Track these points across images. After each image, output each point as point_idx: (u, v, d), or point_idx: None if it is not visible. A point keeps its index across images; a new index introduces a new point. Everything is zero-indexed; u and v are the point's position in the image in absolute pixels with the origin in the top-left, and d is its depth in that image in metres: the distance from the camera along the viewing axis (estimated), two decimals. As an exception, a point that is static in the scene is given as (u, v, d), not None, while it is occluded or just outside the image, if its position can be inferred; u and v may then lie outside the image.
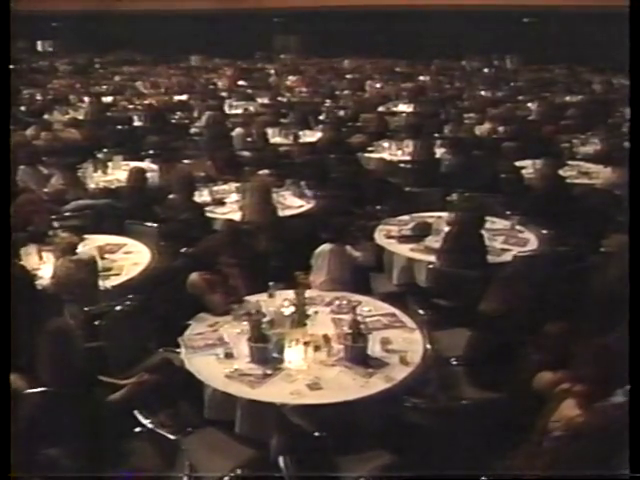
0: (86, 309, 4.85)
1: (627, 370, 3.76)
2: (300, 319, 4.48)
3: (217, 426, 4.03)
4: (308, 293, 4.90)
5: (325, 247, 5.19)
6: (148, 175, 7.66)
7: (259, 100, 13.80)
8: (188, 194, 6.60)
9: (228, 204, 7.11)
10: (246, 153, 9.40)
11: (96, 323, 4.70)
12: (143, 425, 3.70)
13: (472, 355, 4.39)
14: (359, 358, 4.10)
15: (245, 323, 4.45)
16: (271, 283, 4.88)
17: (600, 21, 18.99)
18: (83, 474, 3.85)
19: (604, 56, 17.31)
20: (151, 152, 9.13)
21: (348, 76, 16.89)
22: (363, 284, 5.44)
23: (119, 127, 11.24)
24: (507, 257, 5.73)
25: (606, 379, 3.36)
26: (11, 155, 4.16)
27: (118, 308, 4.85)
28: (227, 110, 12.73)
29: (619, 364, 3.56)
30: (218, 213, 6.88)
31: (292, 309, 4.54)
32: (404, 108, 12.61)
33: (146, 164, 8.41)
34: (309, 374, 4.01)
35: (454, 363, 4.55)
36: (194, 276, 4.84)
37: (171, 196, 6.67)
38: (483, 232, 5.81)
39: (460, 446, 3.73)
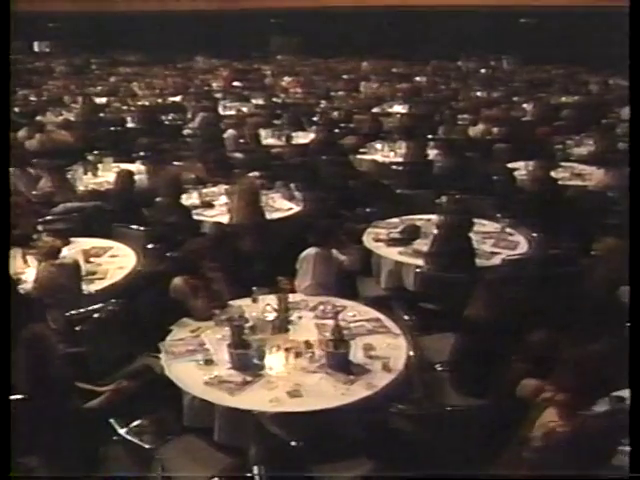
0: (68, 314, 4.82)
1: (609, 379, 3.70)
2: (282, 325, 4.42)
3: (196, 434, 3.97)
4: (293, 298, 4.84)
5: (310, 251, 5.13)
6: (138, 177, 7.64)
7: (254, 101, 13.73)
8: (175, 197, 6.54)
9: (217, 207, 7.06)
10: (238, 155, 9.34)
11: (77, 328, 4.66)
12: (119, 434, 3.65)
13: (457, 361, 4.33)
14: (341, 365, 4.04)
15: (227, 329, 4.38)
16: (254, 288, 4.83)
17: (598, 21, 18.93)
18: (83, 474, 3.83)
19: (601, 56, 17.23)
20: (142, 154, 9.07)
21: (344, 77, 16.81)
22: (349, 289, 5.39)
23: (112, 128, 11.17)
24: (496, 260, 5.67)
25: (588, 388, 3.29)
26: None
27: (100, 313, 4.81)
28: (221, 111, 12.66)
29: (602, 373, 3.50)
30: (206, 216, 6.84)
31: (275, 314, 4.48)
32: (399, 109, 12.54)
33: (137, 166, 8.35)
34: (290, 381, 3.95)
35: (439, 369, 4.50)
36: (177, 280, 4.77)
37: (158, 199, 6.61)
38: (472, 235, 5.76)
39: (442, 454, 3.69)
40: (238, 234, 5.74)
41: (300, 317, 4.66)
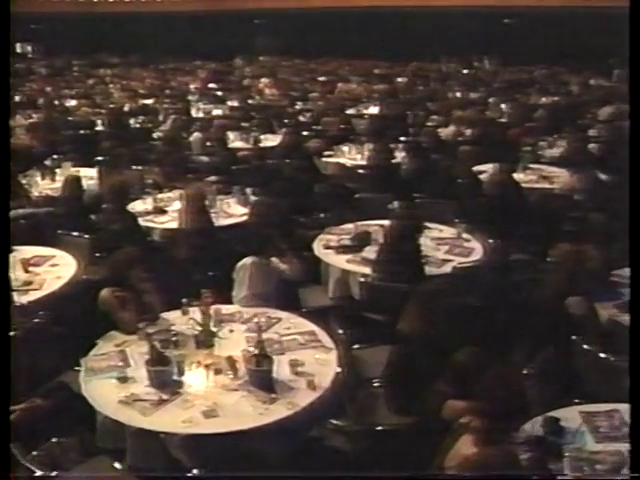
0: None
1: (533, 403, 3.50)
2: (206, 339, 4.21)
3: (110, 455, 3.77)
4: (227, 309, 4.66)
5: (247, 260, 4.90)
6: (91, 182, 7.47)
7: (229, 103, 13.52)
8: (120, 203, 6.33)
9: (170, 212, 6.85)
10: (203, 158, 9.14)
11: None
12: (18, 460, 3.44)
13: (389, 376, 4.12)
14: (263, 382, 3.82)
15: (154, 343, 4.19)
16: (184, 299, 4.62)
17: (582, 22, 18.77)
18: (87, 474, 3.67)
19: (584, 56, 17.06)
20: (102, 158, 8.85)
21: (321, 78, 16.58)
22: (290, 299, 5.17)
23: (81, 132, 10.95)
24: (447, 268, 5.46)
25: (507, 414, 3.07)
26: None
27: (26, 325, 4.61)
28: (194, 114, 12.46)
29: (525, 397, 3.30)
30: (157, 222, 6.65)
31: (199, 328, 4.28)
32: (375, 111, 12.32)
33: (96, 171, 8.14)
34: (208, 400, 3.74)
35: (375, 384, 4.29)
36: (104, 292, 4.56)
37: (104, 205, 6.41)
38: (425, 241, 5.57)
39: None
40: (177, 242, 5.53)
41: (232, 330, 4.46)
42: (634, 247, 3.28)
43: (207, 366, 3.90)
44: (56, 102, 13.15)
